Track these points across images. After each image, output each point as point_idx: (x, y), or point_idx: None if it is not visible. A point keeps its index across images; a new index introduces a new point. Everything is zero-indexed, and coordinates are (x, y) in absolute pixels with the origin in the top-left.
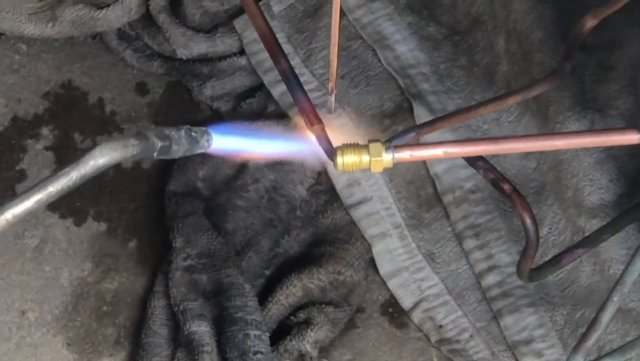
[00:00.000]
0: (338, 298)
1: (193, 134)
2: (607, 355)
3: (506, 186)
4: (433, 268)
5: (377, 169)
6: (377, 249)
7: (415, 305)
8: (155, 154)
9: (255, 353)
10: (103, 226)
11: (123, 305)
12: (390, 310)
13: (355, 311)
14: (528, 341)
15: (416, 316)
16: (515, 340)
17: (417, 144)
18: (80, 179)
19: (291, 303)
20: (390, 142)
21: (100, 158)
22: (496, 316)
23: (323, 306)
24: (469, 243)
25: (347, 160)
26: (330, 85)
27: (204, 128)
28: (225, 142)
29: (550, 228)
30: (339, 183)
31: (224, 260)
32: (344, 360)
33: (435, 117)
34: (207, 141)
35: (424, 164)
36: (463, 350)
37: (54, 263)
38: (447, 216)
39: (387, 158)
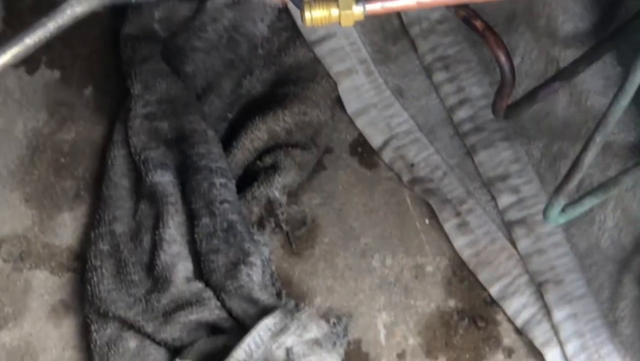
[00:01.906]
0: (305, 139)
1: None
2: (589, 193)
3: (478, 23)
4: (402, 104)
5: (347, 22)
6: (344, 87)
7: (385, 143)
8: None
9: (222, 202)
10: (57, 73)
11: (81, 156)
12: (359, 150)
13: (324, 152)
14: (504, 177)
15: (387, 155)
16: (490, 176)
17: None
18: (58, 30)
19: (256, 148)
20: None
21: (77, 6)
22: (470, 152)
23: (290, 148)
24: (439, 76)
25: (316, 14)
26: None
27: None
28: None
29: (523, 58)
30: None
31: (185, 106)
32: (314, 203)
33: None
34: None
35: None
36: (437, 189)
37: (7, 114)
38: (415, 49)
39: (358, 11)
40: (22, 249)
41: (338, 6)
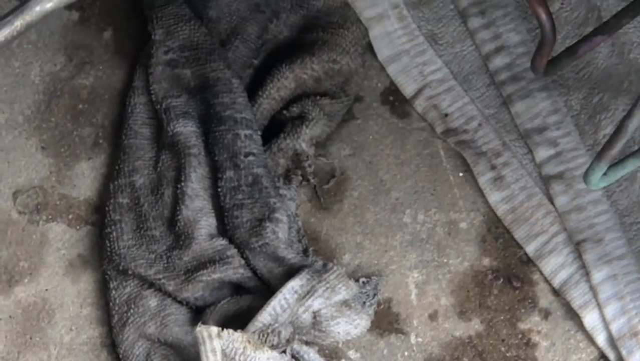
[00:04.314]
0: (334, 88)
1: None
2: (632, 154)
3: None
4: (436, 51)
5: None
6: (375, 33)
7: (418, 92)
8: None
9: (247, 155)
10: (75, 14)
11: (100, 102)
12: (390, 99)
13: (353, 101)
14: (541, 129)
15: (419, 105)
16: (527, 128)
17: None
18: (26, 27)
19: (283, 96)
20: None
21: (47, 2)
22: (506, 102)
23: (318, 97)
24: (474, 22)
25: None
26: None
27: None
28: None
29: (562, 3)
30: None
31: (208, 52)
32: (343, 155)
33: None
34: None
35: None
36: (471, 141)
37: (22, 57)
38: None
39: None
40: (38, 201)
41: None
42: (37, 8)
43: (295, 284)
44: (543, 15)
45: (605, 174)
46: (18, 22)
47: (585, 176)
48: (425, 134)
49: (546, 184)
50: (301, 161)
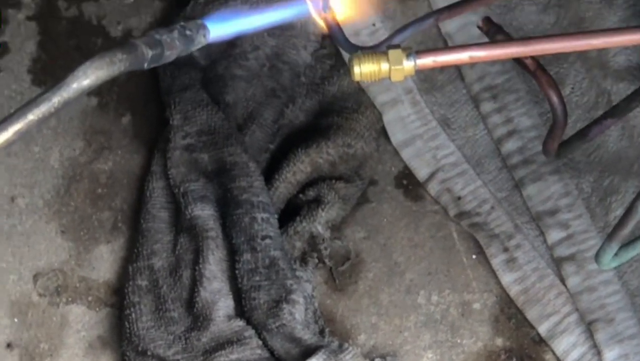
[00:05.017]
0: (349, 171)
1: (187, 32)
2: None
3: (529, 62)
4: (449, 135)
5: (397, 77)
6: (389, 117)
7: (431, 176)
8: (146, 65)
9: (264, 238)
10: (94, 100)
11: (119, 187)
12: (404, 182)
13: (368, 184)
14: (553, 212)
15: (432, 188)
16: (539, 210)
17: (441, 49)
18: (63, 104)
19: (299, 180)
20: (409, 35)
21: (84, 79)
22: (518, 185)
23: (333, 181)
24: (486, 106)
25: (365, 69)
26: None
27: (199, 21)
28: (224, 29)
29: (573, 88)
30: None
31: (225, 137)
32: (358, 237)
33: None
34: (204, 35)
35: (434, 21)
36: (484, 223)
37: (42, 142)
38: (462, 78)
39: (409, 65)
40: (58, 283)
41: (388, 61)
42: (75, 85)
43: None
44: (555, 98)
45: (616, 254)
46: (56, 99)
47: (597, 257)
48: (439, 217)
49: (558, 266)
50: (317, 243)
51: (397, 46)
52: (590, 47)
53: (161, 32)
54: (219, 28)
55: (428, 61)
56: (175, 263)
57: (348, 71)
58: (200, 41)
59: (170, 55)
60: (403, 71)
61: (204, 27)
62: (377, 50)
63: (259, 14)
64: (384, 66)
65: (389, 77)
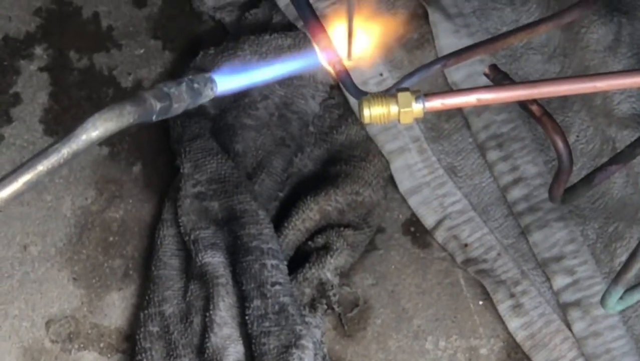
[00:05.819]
0: (357, 219)
1: (195, 85)
2: None
3: (535, 108)
4: (455, 183)
5: (407, 120)
6: (396, 165)
7: (439, 223)
8: (154, 117)
9: (273, 284)
10: (105, 150)
11: (130, 235)
12: (412, 229)
13: (376, 232)
14: (559, 258)
15: (440, 235)
16: (545, 257)
17: (449, 92)
18: (72, 155)
19: (308, 228)
20: (417, 81)
21: (93, 131)
22: (524, 232)
23: (342, 228)
24: (493, 155)
25: (375, 112)
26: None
27: (207, 75)
28: (231, 82)
29: (578, 136)
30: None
31: (235, 185)
32: (366, 284)
33: (461, 48)
34: (211, 89)
35: (442, 66)
36: (491, 270)
37: (55, 191)
38: (468, 127)
39: (418, 108)
40: (71, 330)
41: (397, 103)
42: (84, 137)
43: None
44: (560, 144)
45: (621, 298)
46: (65, 151)
47: (602, 300)
48: (446, 264)
49: (564, 311)
50: (326, 290)
51: (405, 89)
52: (595, 90)
53: (169, 85)
54: (227, 81)
55: (436, 103)
56: (186, 309)
57: (358, 114)
58: (208, 95)
59: (178, 108)
60: (412, 114)
61: (212, 80)
62: (386, 93)
63: (268, 66)
64: (393, 109)
65: (398, 120)
